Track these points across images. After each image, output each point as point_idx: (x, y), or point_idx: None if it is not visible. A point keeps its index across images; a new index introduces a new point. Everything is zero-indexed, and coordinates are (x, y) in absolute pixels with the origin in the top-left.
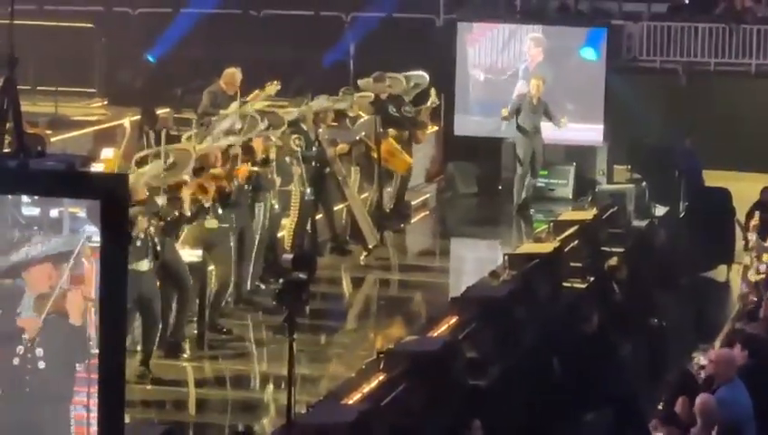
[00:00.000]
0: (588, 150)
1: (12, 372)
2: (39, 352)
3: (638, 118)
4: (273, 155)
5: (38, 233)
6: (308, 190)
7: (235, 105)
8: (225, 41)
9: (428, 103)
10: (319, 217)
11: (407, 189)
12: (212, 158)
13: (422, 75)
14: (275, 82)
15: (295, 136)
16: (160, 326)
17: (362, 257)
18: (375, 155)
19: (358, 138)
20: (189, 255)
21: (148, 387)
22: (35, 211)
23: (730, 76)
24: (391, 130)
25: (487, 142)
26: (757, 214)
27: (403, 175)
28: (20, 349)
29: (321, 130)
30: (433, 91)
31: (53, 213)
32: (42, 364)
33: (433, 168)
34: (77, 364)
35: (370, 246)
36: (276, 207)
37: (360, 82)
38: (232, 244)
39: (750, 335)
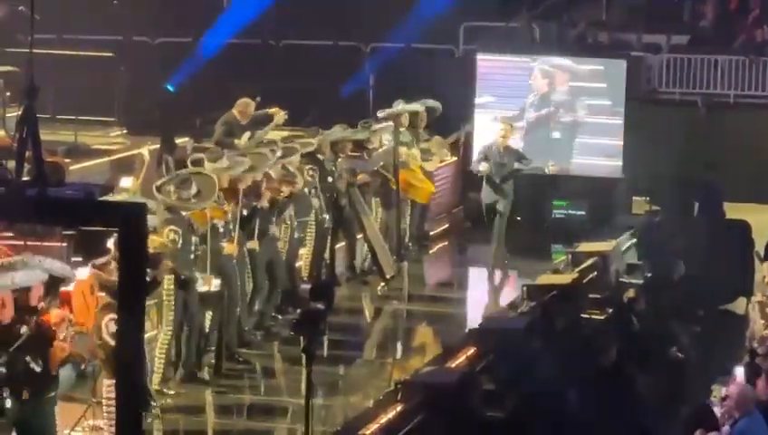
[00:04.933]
0: (606, 182)
1: None
2: None
3: (657, 149)
4: (297, 185)
5: None
6: (326, 220)
7: (247, 135)
8: (244, 70)
9: (450, 138)
10: (339, 245)
11: (426, 219)
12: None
13: (436, 103)
14: (281, 111)
15: (309, 167)
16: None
17: (380, 288)
18: (393, 185)
19: (376, 168)
20: (206, 285)
21: (164, 416)
22: None
23: (749, 108)
24: (412, 159)
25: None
26: None
27: (424, 204)
28: None
29: (340, 160)
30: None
31: None
32: None
33: (452, 198)
34: None
35: (388, 277)
36: (295, 236)
37: (397, 105)
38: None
39: None
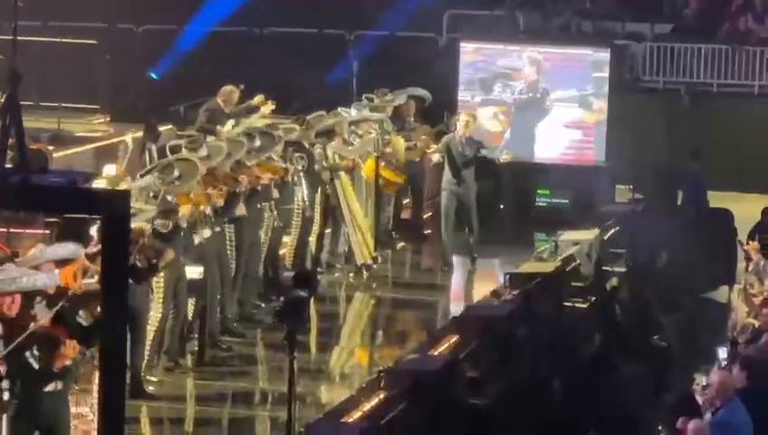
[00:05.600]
0: (590, 170)
1: None
2: None
3: (640, 138)
4: (289, 173)
5: None
6: (309, 207)
7: (230, 123)
8: (228, 58)
9: (436, 127)
10: (327, 231)
11: (422, 207)
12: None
13: (425, 92)
14: (269, 101)
15: (298, 155)
16: (148, 341)
17: (351, 275)
18: (362, 171)
19: (358, 156)
20: (190, 271)
21: (147, 403)
22: None
23: (733, 97)
24: (397, 149)
25: (487, 162)
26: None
27: (417, 194)
28: None
29: (332, 143)
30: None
31: None
32: None
33: (435, 186)
34: None
35: (359, 264)
36: (276, 224)
37: (384, 95)
38: (233, 260)
39: (749, 358)
